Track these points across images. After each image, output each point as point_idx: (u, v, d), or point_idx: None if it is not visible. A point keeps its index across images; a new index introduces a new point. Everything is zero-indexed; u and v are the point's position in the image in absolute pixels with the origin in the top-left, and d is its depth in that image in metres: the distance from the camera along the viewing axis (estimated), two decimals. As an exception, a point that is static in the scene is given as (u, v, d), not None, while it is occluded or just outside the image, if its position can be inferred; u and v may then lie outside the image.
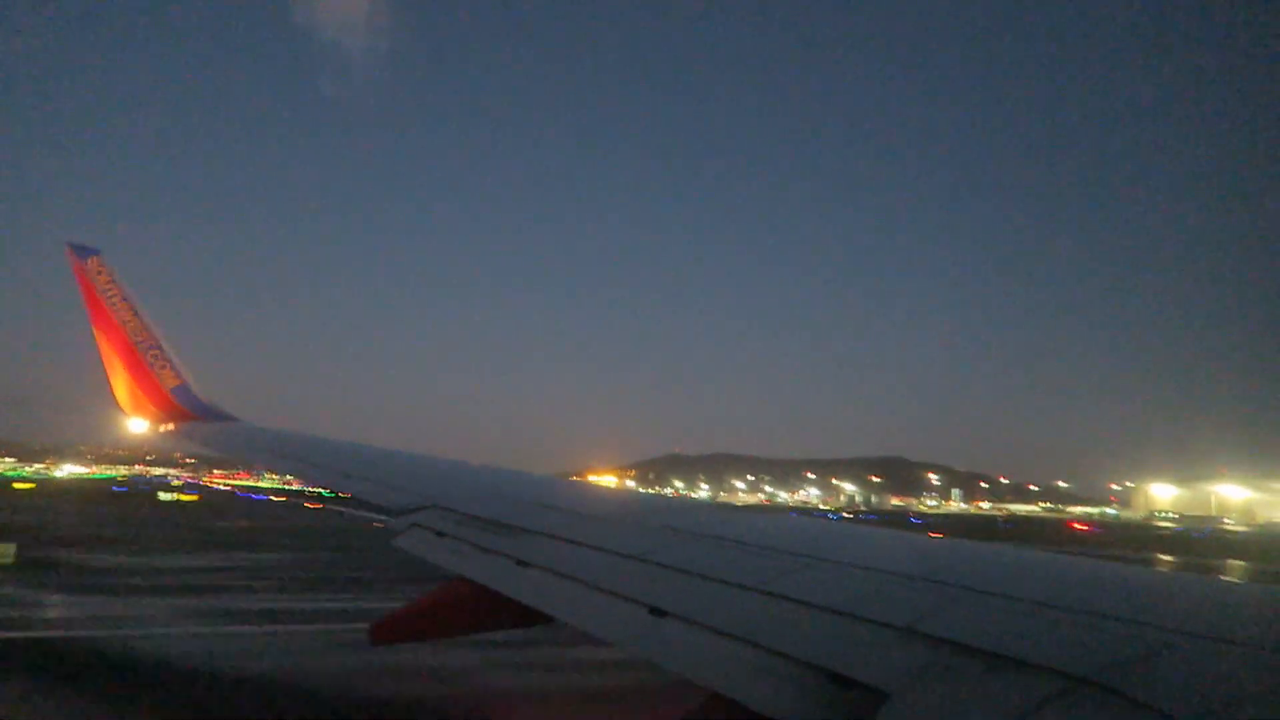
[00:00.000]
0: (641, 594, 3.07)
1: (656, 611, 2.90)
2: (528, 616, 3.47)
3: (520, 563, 3.77)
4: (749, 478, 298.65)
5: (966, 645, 2.15)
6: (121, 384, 10.20)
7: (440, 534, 4.44)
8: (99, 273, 10.24)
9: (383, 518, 5.12)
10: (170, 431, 10.03)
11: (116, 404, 10.26)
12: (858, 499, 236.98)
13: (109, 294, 10.23)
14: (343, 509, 53.47)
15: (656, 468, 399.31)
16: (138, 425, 10.18)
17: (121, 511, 52.86)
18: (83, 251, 10.29)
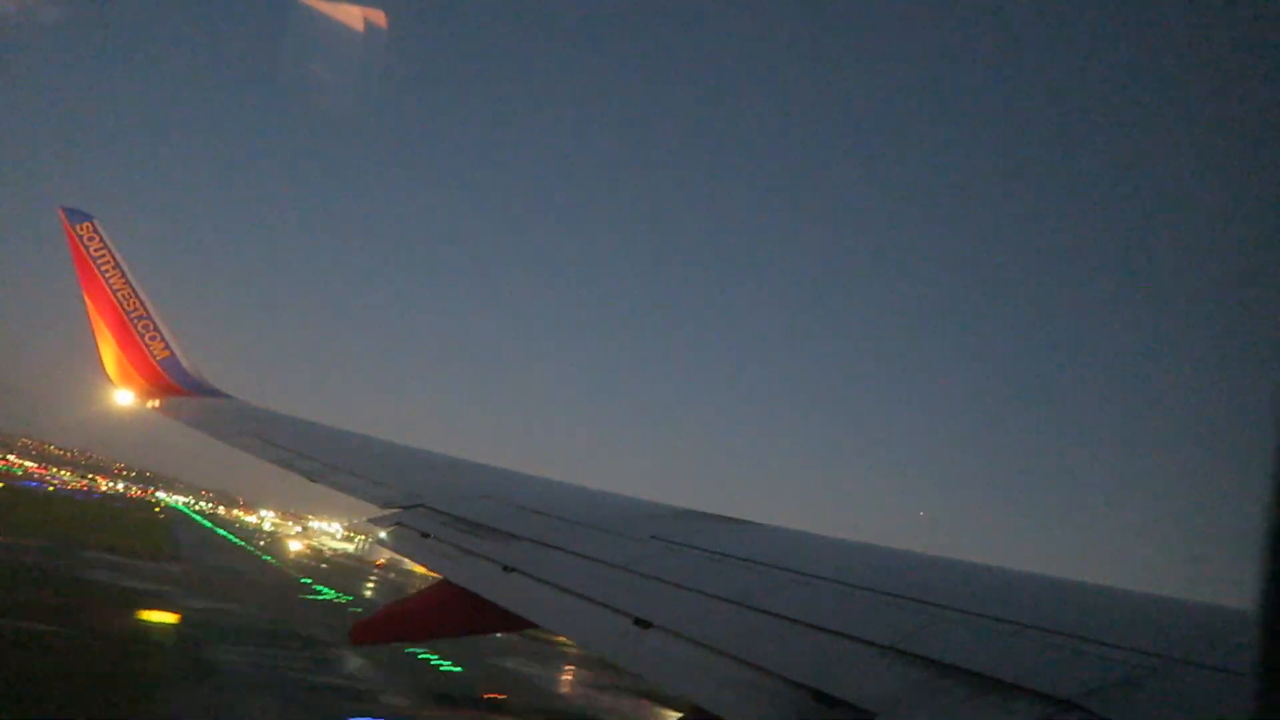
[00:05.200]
0: (627, 604, 3.10)
1: (642, 623, 2.92)
2: (512, 622, 3.50)
3: (506, 568, 3.79)
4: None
5: (952, 666, 2.19)
6: (110, 354, 10.10)
7: (425, 535, 4.44)
8: (92, 238, 10.13)
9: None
10: (156, 407, 9.94)
11: (105, 374, 10.17)
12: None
13: (101, 260, 10.12)
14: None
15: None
16: (124, 397, 10.08)
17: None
18: (76, 216, 10.18)
